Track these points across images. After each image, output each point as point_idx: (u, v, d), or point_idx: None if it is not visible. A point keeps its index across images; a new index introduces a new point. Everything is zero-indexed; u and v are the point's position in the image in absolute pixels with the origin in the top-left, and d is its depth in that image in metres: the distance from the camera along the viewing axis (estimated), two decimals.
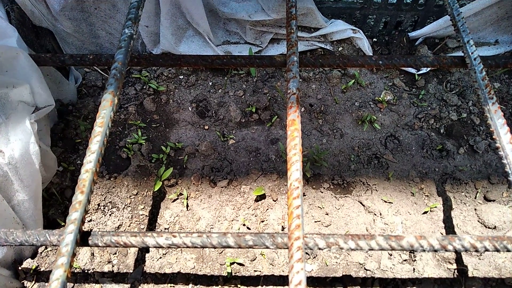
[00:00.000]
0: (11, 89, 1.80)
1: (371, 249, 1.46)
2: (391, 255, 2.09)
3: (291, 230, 1.40)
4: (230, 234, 1.48)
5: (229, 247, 1.47)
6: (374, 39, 2.70)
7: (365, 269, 2.03)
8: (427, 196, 2.27)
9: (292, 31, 1.95)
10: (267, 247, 1.49)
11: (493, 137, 1.55)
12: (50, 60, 1.94)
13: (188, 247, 1.46)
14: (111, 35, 2.51)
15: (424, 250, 1.45)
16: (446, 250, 1.43)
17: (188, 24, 2.38)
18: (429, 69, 2.57)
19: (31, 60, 1.86)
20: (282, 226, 2.14)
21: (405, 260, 2.08)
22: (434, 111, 2.51)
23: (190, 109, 2.51)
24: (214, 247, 1.46)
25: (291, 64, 1.83)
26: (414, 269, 2.03)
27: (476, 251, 1.40)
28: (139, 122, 2.41)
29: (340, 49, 2.59)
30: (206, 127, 2.45)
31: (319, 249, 1.46)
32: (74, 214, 1.39)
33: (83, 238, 1.45)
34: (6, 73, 1.82)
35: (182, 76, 2.59)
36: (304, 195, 2.24)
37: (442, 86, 2.59)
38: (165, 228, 2.12)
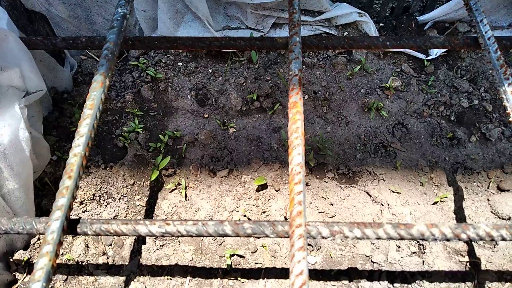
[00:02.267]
0: (0, 73, 1.72)
1: (379, 238, 1.36)
2: (399, 247, 1.99)
3: (292, 217, 1.30)
4: (228, 222, 1.39)
5: (226, 235, 1.38)
6: (381, 24, 2.59)
7: (372, 261, 1.93)
8: (437, 186, 2.16)
9: (295, 10, 1.85)
10: (267, 236, 1.40)
11: (510, 120, 1.45)
12: (41, 43, 1.85)
13: (182, 235, 1.38)
14: (107, 21, 2.43)
15: (435, 239, 1.35)
16: (459, 239, 1.33)
17: (186, 8, 2.29)
18: (438, 54, 2.46)
19: (21, 42, 1.78)
20: (285, 217, 2.05)
21: (414, 253, 1.98)
22: (444, 98, 2.39)
23: (189, 97, 2.42)
24: (210, 236, 1.37)
25: (293, 45, 1.73)
26: (423, 261, 1.93)
27: (492, 240, 1.29)
28: (136, 110, 2.32)
29: (345, 34, 2.48)
30: (206, 116, 2.36)
31: (323, 237, 1.36)
32: (61, 200, 1.31)
33: (71, 226, 1.37)
34: None
35: (181, 63, 2.50)
36: (307, 185, 2.14)
37: (452, 72, 2.48)
38: (163, 219, 2.03)
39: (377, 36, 1.82)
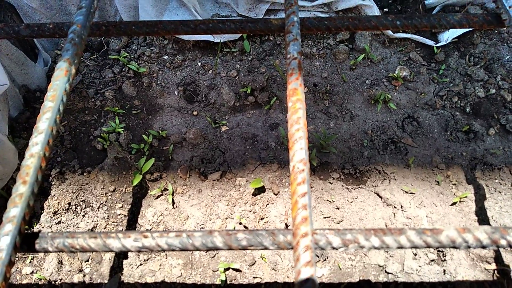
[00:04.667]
0: None
1: (401, 247, 1.13)
2: (415, 254, 1.75)
3: (296, 225, 1.06)
4: (218, 233, 1.14)
5: (217, 248, 1.14)
6: (385, 10, 2.37)
7: (386, 272, 1.70)
8: (455, 184, 1.94)
9: None
10: (266, 248, 1.16)
11: None
12: (2, 31, 1.61)
13: (163, 250, 1.13)
14: None
15: (469, 246, 1.11)
16: (497, 246, 1.09)
17: None
18: (449, 40, 2.24)
19: None
20: (286, 224, 1.81)
21: (432, 260, 1.75)
22: (457, 87, 2.17)
23: (176, 93, 2.18)
24: (197, 249, 1.13)
25: (290, 25, 1.49)
26: (444, 270, 1.70)
27: None
28: (117, 108, 2.09)
29: None
30: (195, 113, 2.13)
31: (333, 248, 1.12)
32: (13, 211, 1.06)
33: (27, 242, 1.12)
34: None
35: (167, 56, 2.27)
36: (311, 187, 1.91)
37: (464, 60, 2.26)
38: (147, 229, 1.79)
39: (385, 15, 1.58)
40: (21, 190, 1.12)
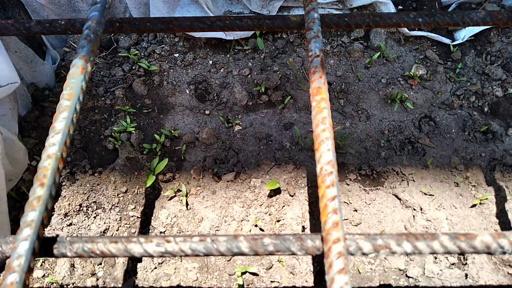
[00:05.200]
0: None
1: (433, 253, 1.08)
2: (436, 258, 1.71)
3: (327, 230, 1.02)
4: (243, 237, 1.10)
5: (242, 254, 1.09)
6: (400, 7, 2.33)
7: (406, 276, 1.66)
8: (474, 186, 1.89)
9: None
10: (294, 254, 1.12)
11: None
12: (12, 27, 1.56)
13: (187, 255, 1.09)
14: None
15: (504, 252, 1.08)
16: None
17: None
18: (466, 38, 2.20)
19: None
20: (303, 226, 1.77)
21: (453, 264, 1.71)
22: (474, 86, 2.13)
23: (187, 92, 2.14)
24: (222, 255, 1.08)
25: (311, 22, 1.44)
26: (466, 274, 1.66)
27: None
28: (128, 107, 2.04)
29: None
30: (207, 112, 2.08)
31: (363, 254, 1.08)
32: (31, 214, 1.01)
33: (45, 247, 1.07)
34: None
35: (178, 54, 2.22)
36: None
37: (481, 58, 2.22)
38: (161, 232, 1.75)
39: (407, 12, 1.53)
40: (39, 192, 1.07)
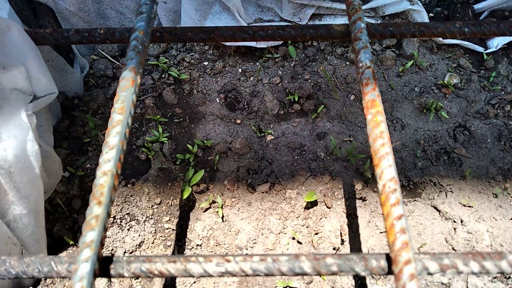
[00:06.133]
0: (1, 72, 1.40)
1: (501, 272, 1.05)
2: None
3: (396, 251, 0.98)
4: (305, 257, 1.06)
5: (304, 274, 1.06)
6: (431, 14, 2.30)
7: None
8: None
9: None
10: (357, 274, 1.09)
11: None
12: (50, 36, 1.53)
13: (247, 275, 1.06)
14: (122, 16, 2.12)
15: None
16: None
17: None
18: (499, 46, 2.17)
19: (26, 36, 1.46)
20: (342, 239, 1.73)
21: (495, 277, 1.67)
22: (509, 95, 2.10)
23: (217, 101, 2.10)
24: (284, 275, 1.05)
25: (358, 32, 1.41)
26: None
27: None
28: (158, 117, 2.00)
29: None
30: (238, 121, 2.05)
31: (429, 274, 1.05)
32: (90, 235, 0.97)
33: (102, 267, 1.04)
34: None
35: (207, 62, 2.19)
36: (364, 200, 1.83)
37: None
38: (198, 245, 1.71)
39: (453, 22, 1.51)
40: (97, 211, 1.03)
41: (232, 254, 1.07)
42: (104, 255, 0.93)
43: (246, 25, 2.00)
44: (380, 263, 1.08)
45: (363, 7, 2.11)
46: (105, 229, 1.02)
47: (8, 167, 1.34)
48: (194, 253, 1.69)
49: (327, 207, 1.81)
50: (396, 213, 1.06)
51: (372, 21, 2.17)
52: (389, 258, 1.04)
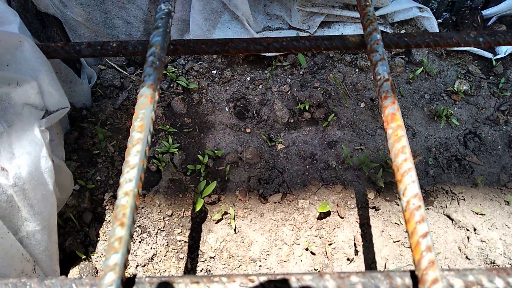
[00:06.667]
0: (14, 87, 1.38)
1: None
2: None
3: (423, 269, 0.98)
4: (329, 276, 1.05)
5: None
6: (439, 20, 2.29)
7: None
8: None
9: (368, 3, 1.53)
10: None
11: None
12: (62, 50, 1.52)
13: None
14: (129, 25, 2.10)
15: None
16: None
17: (224, 6, 1.97)
18: (508, 52, 2.16)
19: (38, 50, 1.45)
20: (356, 250, 1.72)
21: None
22: None
23: (227, 109, 2.09)
24: None
25: (374, 44, 1.41)
26: None
27: None
28: (168, 127, 1.99)
29: (402, 32, 2.18)
30: (248, 130, 2.04)
31: None
32: (114, 257, 0.96)
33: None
34: (7, 67, 1.40)
35: (216, 71, 2.18)
36: (377, 209, 1.82)
37: None
38: (211, 257, 1.70)
39: (467, 31, 1.50)
40: (119, 233, 1.02)
41: (256, 274, 1.05)
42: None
43: (255, 33, 1.99)
44: (405, 281, 1.07)
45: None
46: (128, 251, 1.01)
47: (22, 184, 1.33)
48: (207, 265, 1.68)
49: (340, 217, 1.80)
50: (422, 230, 1.05)
51: (381, 28, 2.16)
52: (414, 276, 1.03)
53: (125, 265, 0.97)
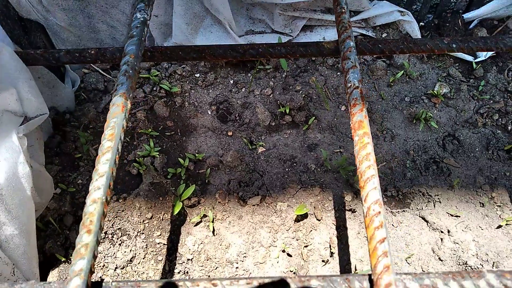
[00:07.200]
0: None
1: None
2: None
3: (378, 274, 1.01)
4: (291, 280, 1.09)
5: None
6: (421, 23, 2.31)
7: None
8: (500, 206, 1.88)
9: (343, 10, 1.56)
10: None
11: None
12: (41, 57, 1.55)
13: None
14: (113, 29, 2.12)
15: None
16: None
17: (206, 11, 2.00)
18: (488, 55, 2.18)
19: (17, 58, 1.48)
20: (331, 252, 1.75)
21: None
22: (498, 104, 2.12)
23: (209, 113, 2.12)
24: None
25: (347, 51, 1.44)
26: None
27: None
28: (150, 130, 2.02)
29: (384, 35, 2.20)
30: (230, 133, 2.06)
31: None
32: (79, 263, 1.00)
33: None
34: None
35: (199, 74, 2.20)
36: (353, 211, 1.85)
37: (503, 75, 2.20)
38: (188, 259, 1.73)
39: (441, 38, 1.53)
40: (86, 240, 1.06)
41: (219, 278, 1.09)
42: (94, 277, 0.95)
43: (237, 37, 2.01)
44: (363, 285, 1.11)
45: (354, 18, 2.13)
46: (95, 257, 1.04)
47: (0, 190, 1.36)
48: (185, 267, 1.72)
49: (317, 219, 1.83)
50: (379, 236, 1.08)
51: (363, 31, 2.18)
52: (371, 280, 1.07)
53: (91, 271, 1.01)
